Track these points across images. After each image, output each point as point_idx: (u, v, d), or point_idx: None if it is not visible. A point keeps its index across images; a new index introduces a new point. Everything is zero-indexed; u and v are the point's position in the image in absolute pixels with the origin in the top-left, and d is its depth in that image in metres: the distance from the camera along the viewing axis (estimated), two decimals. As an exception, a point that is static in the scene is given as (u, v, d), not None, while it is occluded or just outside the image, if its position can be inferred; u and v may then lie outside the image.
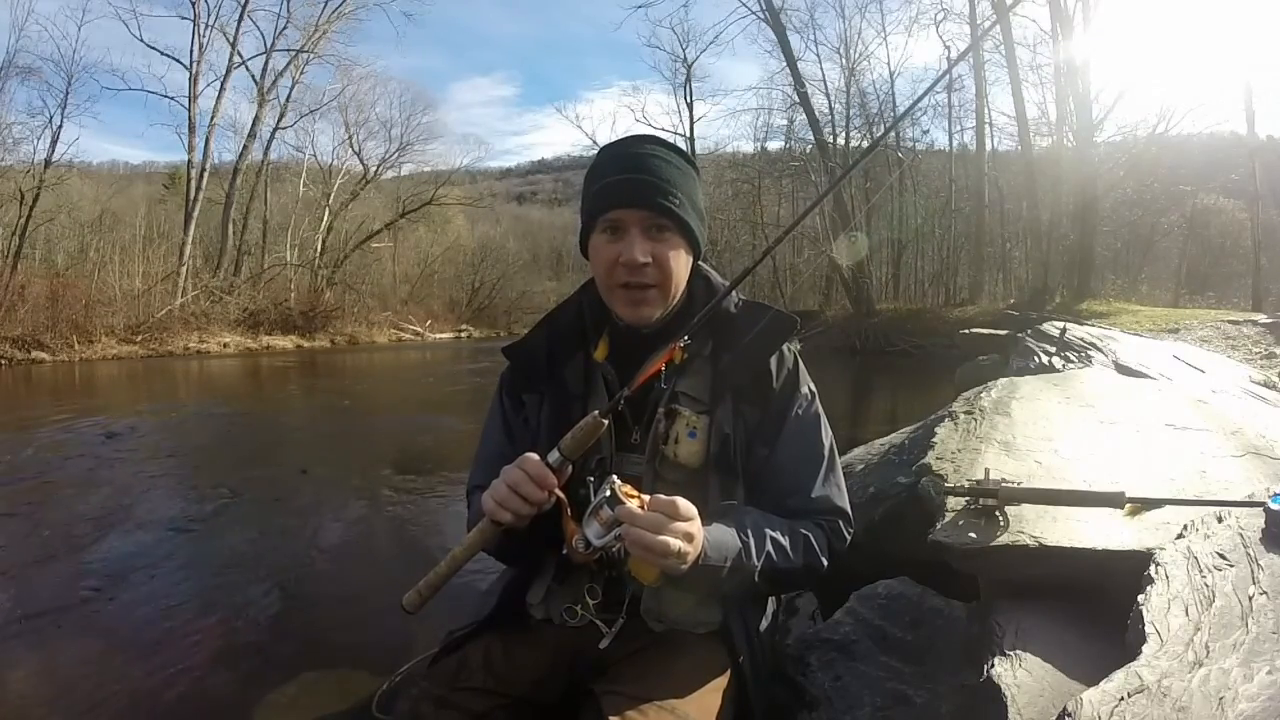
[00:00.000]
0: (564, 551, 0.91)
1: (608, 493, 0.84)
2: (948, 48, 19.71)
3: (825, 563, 1.00)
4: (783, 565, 0.95)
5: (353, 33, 25.73)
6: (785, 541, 0.96)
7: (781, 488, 1.03)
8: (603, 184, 0.99)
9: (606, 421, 0.90)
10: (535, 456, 0.88)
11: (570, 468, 0.91)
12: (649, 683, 0.91)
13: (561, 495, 0.89)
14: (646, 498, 0.85)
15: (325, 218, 24.96)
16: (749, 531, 0.94)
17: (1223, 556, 1.02)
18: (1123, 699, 0.75)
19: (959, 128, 21.90)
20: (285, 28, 21.22)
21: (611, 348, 1.07)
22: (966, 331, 8.54)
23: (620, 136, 1.08)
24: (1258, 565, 1.00)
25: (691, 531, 0.84)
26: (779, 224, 20.85)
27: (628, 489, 0.85)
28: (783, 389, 1.05)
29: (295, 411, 7.82)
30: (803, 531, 0.99)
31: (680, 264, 1.01)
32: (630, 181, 0.97)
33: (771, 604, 1.15)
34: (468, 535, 0.91)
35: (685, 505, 0.84)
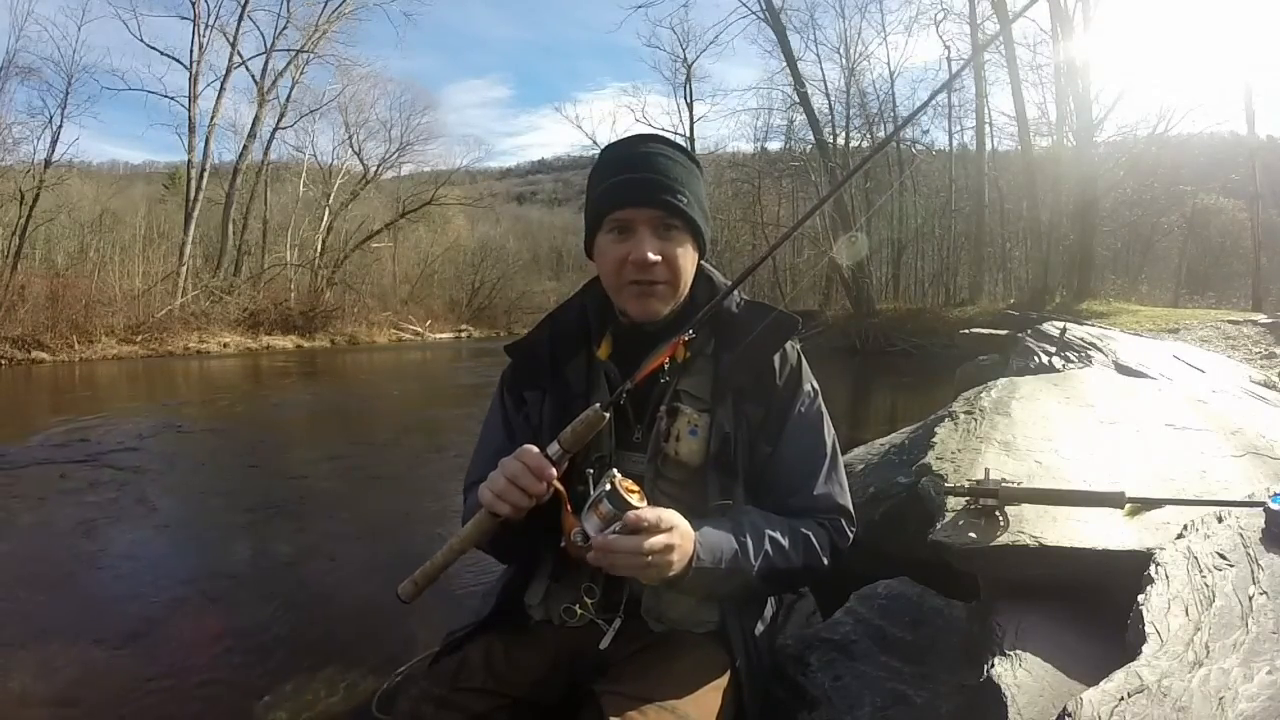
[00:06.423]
0: (562, 544, 0.91)
1: (607, 487, 0.83)
2: (948, 48, 19.74)
3: (826, 562, 1.00)
4: (782, 565, 0.95)
5: (352, 33, 25.75)
6: (785, 541, 0.96)
7: (784, 485, 1.03)
8: (609, 183, 0.99)
9: (608, 415, 0.89)
10: (534, 448, 0.87)
11: (568, 461, 0.90)
12: (649, 682, 0.91)
13: (560, 488, 0.88)
14: (645, 507, 0.85)
15: (325, 218, 24.94)
16: (746, 532, 0.94)
17: (1223, 556, 1.02)
18: (1123, 699, 0.75)
19: (959, 127, 21.92)
20: (285, 28, 21.23)
21: (614, 347, 1.06)
22: (966, 331, 8.53)
23: (622, 136, 1.08)
24: (1258, 565, 1.00)
25: (671, 542, 0.84)
26: (779, 224, 20.84)
27: (628, 484, 0.84)
28: (785, 386, 1.05)
29: (295, 412, 7.81)
30: (803, 531, 0.99)
31: (688, 262, 1.01)
32: (638, 180, 0.97)
33: (770, 605, 1.14)
34: (464, 527, 0.91)
35: (658, 517, 0.84)
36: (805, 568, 0.98)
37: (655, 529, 0.83)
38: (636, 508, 0.83)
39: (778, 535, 0.96)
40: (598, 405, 0.89)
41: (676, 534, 0.85)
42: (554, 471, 0.87)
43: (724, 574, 0.90)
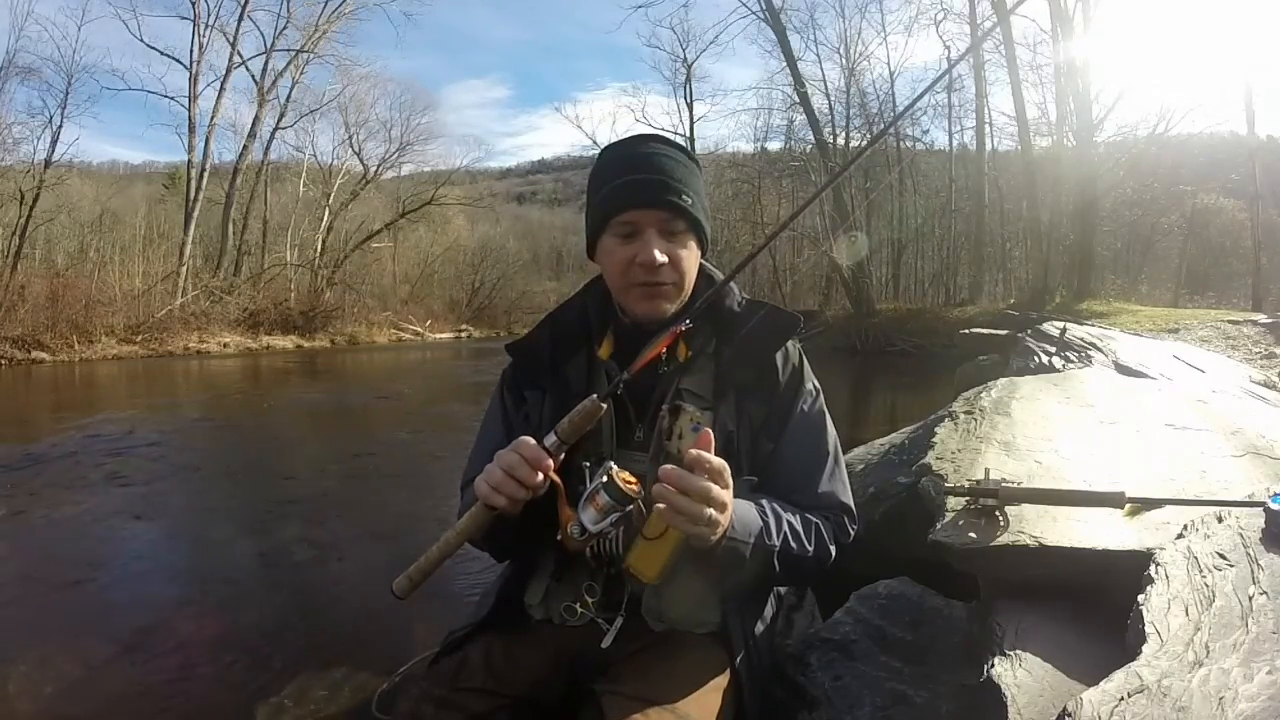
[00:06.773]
0: (558, 537, 0.90)
1: (604, 479, 0.82)
2: (948, 48, 19.71)
3: (833, 553, 1.00)
4: (797, 552, 0.95)
5: (352, 33, 25.77)
6: (799, 527, 0.96)
7: (786, 484, 1.02)
8: (613, 185, 0.98)
9: (605, 405, 0.88)
10: (531, 440, 0.86)
11: (564, 454, 0.89)
12: (649, 683, 0.91)
13: (557, 479, 0.88)
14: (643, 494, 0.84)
15: (325, 218, 24.92)
16: (768, 511, 0.94)
17: (1223, 556, 1.02)
18: (1123, 699, 0.75)
19: (959, 128, 21.91)
20: (285, 28, 21.23)
21: (616, 346, 1.06)
22: (966, 331, 8.53)
23: (622, 136, 1.07)
24: (1258, 565, 1.00)
25: (726, 500, 0.83)
26: (779, 224, 20.81)
27: (625, 475, 0.84)
28: (788, 385, 1.05)
29: (297, 412, 7.81)
30: (814, 520, 0.99)
31: (693, 262, 1.01)
32: (642, 182, 0.97)
33: (770, 604, 1.14)
34: (459, 521, 0.90)
35: (724, 464, 0.82)
36: (815, 558, 0.98)
37: (720, 475, 0.82)
38: (635, 498, 0.82)
39: (793, 520, 0.96)
40: (594, 395, 0.88)
41: (729, 494, 0.84)
42: (551, 463, 0.86)
43: (750, 551, 0.90)
